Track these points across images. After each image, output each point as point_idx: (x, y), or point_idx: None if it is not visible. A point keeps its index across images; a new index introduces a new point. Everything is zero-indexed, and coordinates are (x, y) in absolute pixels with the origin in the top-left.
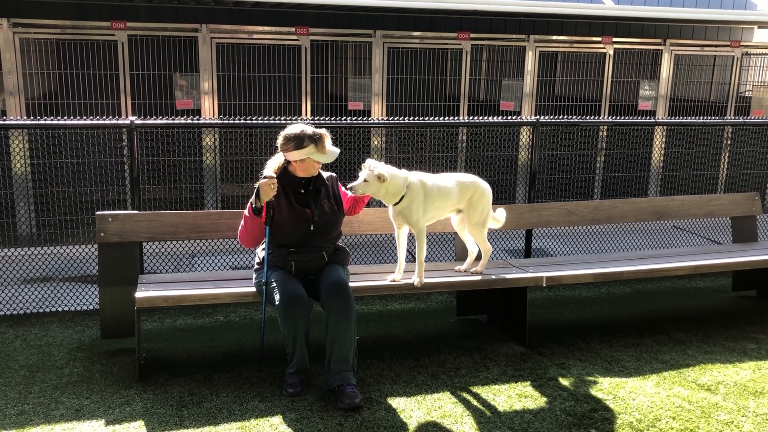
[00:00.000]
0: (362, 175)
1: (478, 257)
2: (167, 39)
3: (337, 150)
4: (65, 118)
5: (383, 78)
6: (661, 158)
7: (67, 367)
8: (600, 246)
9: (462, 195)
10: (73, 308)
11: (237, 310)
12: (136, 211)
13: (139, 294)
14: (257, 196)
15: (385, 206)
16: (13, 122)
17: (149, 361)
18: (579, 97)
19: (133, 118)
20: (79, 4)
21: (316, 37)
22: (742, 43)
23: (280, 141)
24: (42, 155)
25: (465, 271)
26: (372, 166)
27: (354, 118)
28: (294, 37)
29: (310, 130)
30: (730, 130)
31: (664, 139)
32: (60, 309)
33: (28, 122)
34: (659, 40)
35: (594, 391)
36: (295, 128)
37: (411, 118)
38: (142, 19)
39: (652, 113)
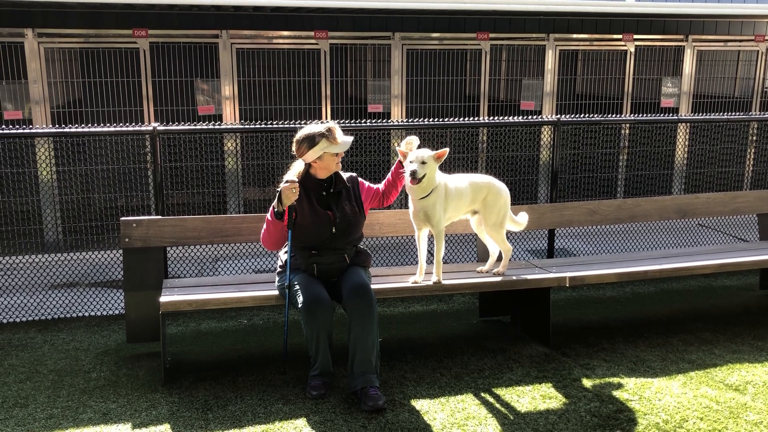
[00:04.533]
0: (416, 159)
1: (500, 258)
2: (188, 45)
3: (350, 138)
4: (89, 125)
5: (402, 80)
6: (685, 155)
7: (94, 371)
8: (624, 245)
9: (476, 196)
10: (99, 313)
11: (260, 313)
12: (159, 217)
13: (164, 298)
14: (279, 200)
15: (406, 207)
16: (38, 131)
17: (174, 364)
18: (600, 95)
19: (156, 124)
20: (101, 13)
21: (335, 40)
22: (766, 38)
23: (294, 147)
24: (67, 162)
25: (487, 272)
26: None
27: (374, 121)
28: (313, 40)
29: (317, 127)
30: (756, 126)
31: (687, 137)
32: (86, 314)
33: (54, 130)
34: (681, 36)
35: (619, 392)
36: (303, 131)
37: (431, 120)
38: (163, 26)
39: (675, 110)
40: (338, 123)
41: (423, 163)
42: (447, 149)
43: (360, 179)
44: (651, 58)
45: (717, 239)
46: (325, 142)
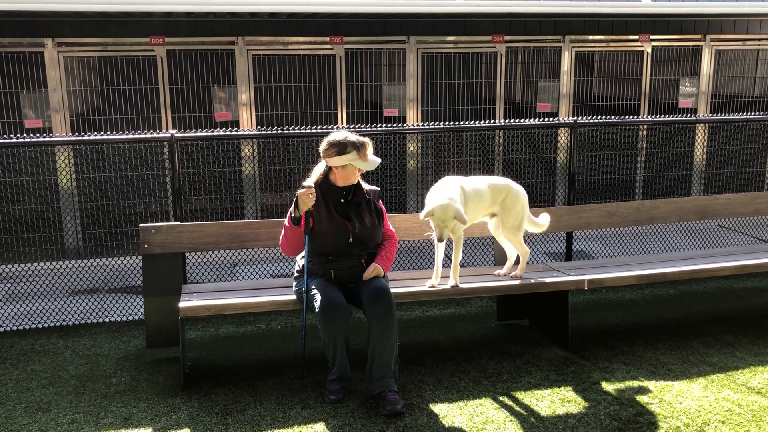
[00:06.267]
0: (437, 220)
1: (518, 261)
2: (205, 52)
3: (378, 159)
4: (108, 133)
5: (418, 84)
6: (704, 156)
7: (114, 376)
8: (642, 247)
9: (495, 198)
10: (119, 319)
11: (278, 318)
12: (178, 223)
13: (183, 304)
14: (296, 205)
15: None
16: (58, 139)
17: (194, 369)
18: (617, 96)
19: (174, 131)
20: (118, 22)
21: (351, 45)
22: None
23: (323, 147)
24: (87, 170)
25: (504, 275)
26: (439, 218)
27: (389, 125)
28: (328, 46)
29: (353, 137)
30: None
31: (706, 137)
32: (107, 320)
33: (73, 138)
34: (699, 36)
35: (639, 395)
36: (338, 135)
37: (447, 123)
38: (180, 33)
39: (694, 111)
40: (353, 128)
41: (446, 226)
42: (456, 210)
43: (380, 200)
44: (668, 59)
45: (737, 240)
46: (354, 155)
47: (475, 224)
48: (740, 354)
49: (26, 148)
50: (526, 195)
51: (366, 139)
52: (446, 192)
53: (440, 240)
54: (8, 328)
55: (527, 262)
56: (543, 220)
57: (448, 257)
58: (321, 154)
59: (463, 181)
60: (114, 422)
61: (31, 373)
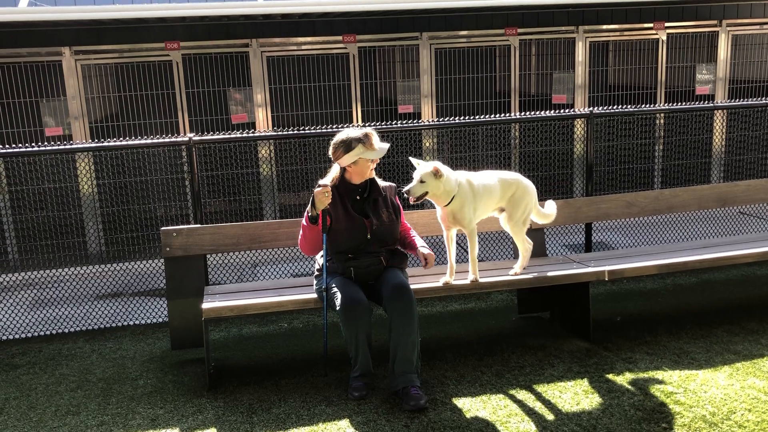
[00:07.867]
0: (416, 176)
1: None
2: (220, 56)
3: (387, 144)
4: (127, 138)
5: (432, 79)
6: (723, 143)
7: (141, 378)
8: (663, 236)
9: (504, 192)
10: (143, 321)
11: (300, 317)
12: (198, 225)
13: (206, 305)
14: (313, 204)
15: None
16: (79, 146)
17: (218, 369)
18: (633, 85)
19: (191, 134)
20: (134, 28)
21: (364, 43)
22: None
23: (330, 151)
24: (107, 175)
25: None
26: (422, 165)
27: (404, 122)
28: (341, 45)
29: (354, 132)
30: None
31: (725, 123)
32: (131, 323)
33: (93, 145)
34: (715, 22)
35: (663, 385)
36: (340, 135)
37: (462, 118)
38: (194, 38)
39: (711, 97)
40: (369, 126)
41: (422, 182)
42: (443, 172)
43: (397, 196)
44: (684, 46)
45: (759, 227)
46: (361, 148)
47: (491, 218)
48: (765, 341)
49: (47, 156)
50: (534, 190)
51: (368, 130)
52: (453, 171)
53: (407, 193)
54: (36, 334)
55: (545, 256)
56: (549, 210)
57: (465, 250)
58: (331, 159)
59: (471, 176)
60: (142, 423)
61: (59, 377)
